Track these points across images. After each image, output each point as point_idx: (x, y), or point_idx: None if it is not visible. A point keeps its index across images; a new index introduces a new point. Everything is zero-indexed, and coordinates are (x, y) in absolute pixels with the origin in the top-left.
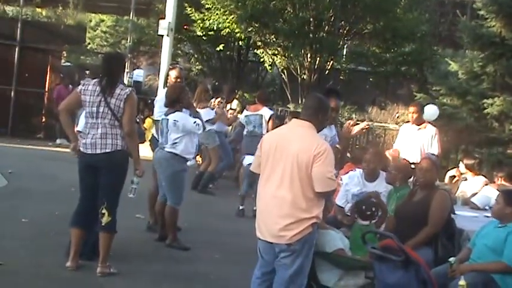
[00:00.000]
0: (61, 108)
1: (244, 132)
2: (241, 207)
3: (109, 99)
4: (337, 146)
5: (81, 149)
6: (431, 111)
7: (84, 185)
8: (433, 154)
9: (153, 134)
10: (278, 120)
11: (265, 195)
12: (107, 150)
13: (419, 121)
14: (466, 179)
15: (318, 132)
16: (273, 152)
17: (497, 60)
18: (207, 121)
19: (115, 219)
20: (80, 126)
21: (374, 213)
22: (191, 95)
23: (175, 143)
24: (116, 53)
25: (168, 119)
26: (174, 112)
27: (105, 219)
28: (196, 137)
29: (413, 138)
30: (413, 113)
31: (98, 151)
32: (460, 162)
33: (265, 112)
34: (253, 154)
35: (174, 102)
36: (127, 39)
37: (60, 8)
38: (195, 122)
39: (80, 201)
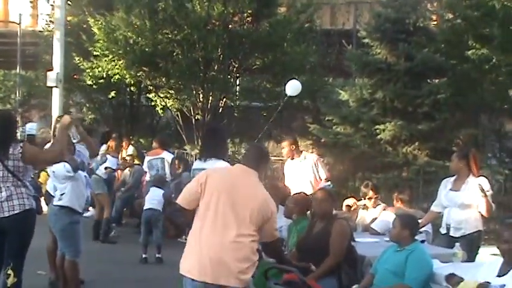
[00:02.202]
0: None
1: (147, 178)
2: (144, 256)
3: (6, 162)
4: None
5: None
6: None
7: None
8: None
9: (46, 189)
10: (180, 162)
11: (215, 239)
12: (15, 212)
13: (297, 153)
14: (365, 207)
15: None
16: (222, 196)
17: (385, 85)
18: (105, 168)
19: (20, 279)
20: None
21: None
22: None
23: (63, 193)
24: (4, 112)
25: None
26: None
27: (10, 280)
28: (83, 186)
29: (299, 172)
30: (290, 145)
31: (6, 214)
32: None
33: (167, 155)
34: None
35: None
36: (16, 93)
37: None
38: (64, 166)
39: None
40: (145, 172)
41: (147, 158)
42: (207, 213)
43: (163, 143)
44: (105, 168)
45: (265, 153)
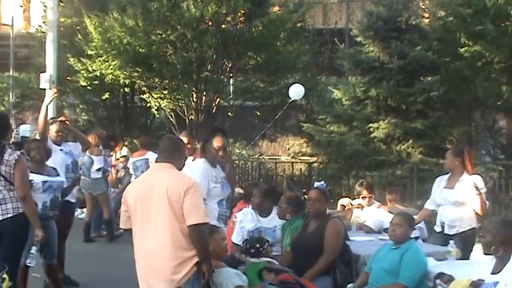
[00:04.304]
0: None
1: (133, 179)
2: None
3: None
4: None
5: None
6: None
7: None
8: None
9: None
10: None
11: (145, 246)
12: (9, 215)
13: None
14: (360, 206)
15: (180, 169)
16: (140, 202)
17: (378, 84)
18: (98, 170)
19: (16, 283)
20: None
21: (259, 249)
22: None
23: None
24: None
25: None
26: None
27: (5, 285)
28: (39, 193)
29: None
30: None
31: (0, 217)
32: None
33: (151, 156)
34: None
35: None
36: (9, 96)
37: None
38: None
39: None
40: (131, 174)
41: (131, 160)
42: (135, 225)
43: (146, 144)
44: (98, 169)
45: (176, 142)
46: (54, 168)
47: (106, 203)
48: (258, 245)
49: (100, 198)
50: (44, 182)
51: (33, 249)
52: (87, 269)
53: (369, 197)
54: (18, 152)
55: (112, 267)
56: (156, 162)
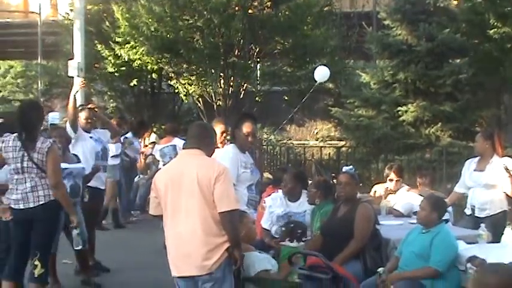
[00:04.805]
0: None
1: (161, 166)
2: None
3: (32, 153)
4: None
5: (12, 205)
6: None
7: (18, 241)
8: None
9: None
10: None
11: (176, 232)
12: (41, 202)
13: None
14: (391, 191)
15: (210, 156)
16: (170, 188)
17: (406, 67)
18: (113, 156)
19: (47, 269)
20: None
21: (304, 233)
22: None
23: None
24: (31, 102)
25: None
26: None
27: (37, 271)
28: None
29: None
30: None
31: (31, 204)
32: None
33: (178, 142)
34: None
35: None
36: (38, 83)
37: None
38: None
39: (13, 255)
40: (158, 161)
41: (158, 147)
42: (166, 211)
43: (171, 131)
44: (114, 156)
45: (205, 128)
46: (76, 155)
47: (111, 192)
48: (304, 228)
49: (109, 185)
50: (64, 169)
51: (74, 233)
52: (116, 255)
53: (397, 180)
54: (51, 140)
55: (135, 253)
56: (184, 148)
